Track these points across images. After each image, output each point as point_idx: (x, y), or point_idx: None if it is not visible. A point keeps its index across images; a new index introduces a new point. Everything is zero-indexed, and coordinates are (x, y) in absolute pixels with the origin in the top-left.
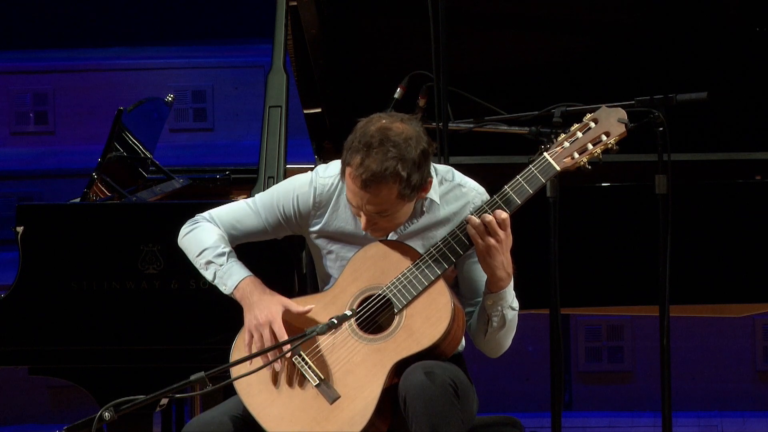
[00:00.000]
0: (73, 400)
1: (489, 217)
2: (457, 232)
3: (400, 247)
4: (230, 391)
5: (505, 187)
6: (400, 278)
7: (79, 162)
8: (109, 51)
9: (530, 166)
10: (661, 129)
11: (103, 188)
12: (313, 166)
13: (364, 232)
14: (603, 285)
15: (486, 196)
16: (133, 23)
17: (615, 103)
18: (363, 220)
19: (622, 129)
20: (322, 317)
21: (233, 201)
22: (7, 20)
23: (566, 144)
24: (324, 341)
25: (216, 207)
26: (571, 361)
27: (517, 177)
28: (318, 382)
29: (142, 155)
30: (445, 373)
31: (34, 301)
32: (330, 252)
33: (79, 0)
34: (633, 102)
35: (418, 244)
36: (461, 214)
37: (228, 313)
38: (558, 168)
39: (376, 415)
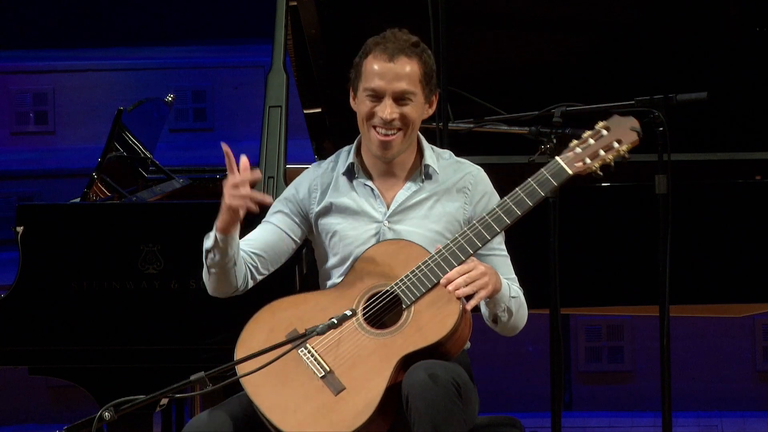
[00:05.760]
0: (73, 400)
1: (463, 288)
2: (467, 231)
3: (408, 245)
4: (230, 391)
5: (516, 189)
6: (409, 275)
7: (79, 162)
8: (109, 51)
9: (542, 169)
10: (661, 129)
11: (103, 188)
12: None
13: (366, 207)
14: (603, 285)
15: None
16: (133, 23)
17: (615, 103)
18: (387, 105)
19: (634, 137)
20: (330, 312)
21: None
22: (7, 20)
23: (578, 150)
24: (331, 334)
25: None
26: (571, 361)
27: (529, 180)
28: (323, 373)
29: (142, 155)
30: (448, 373)
31: (34, 301)
32: (335, 233)
33: (79, 0)
34: (633, 102)
35: (421, 215)
36: (463, 183)
37: (228, 313)
38: (570, 172)
39: (380, 410)
